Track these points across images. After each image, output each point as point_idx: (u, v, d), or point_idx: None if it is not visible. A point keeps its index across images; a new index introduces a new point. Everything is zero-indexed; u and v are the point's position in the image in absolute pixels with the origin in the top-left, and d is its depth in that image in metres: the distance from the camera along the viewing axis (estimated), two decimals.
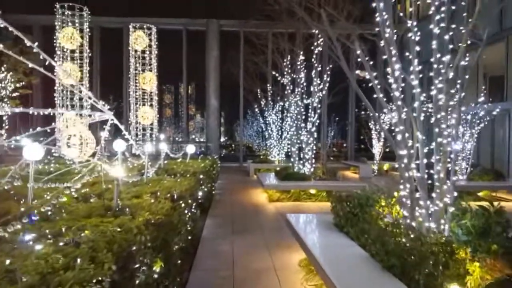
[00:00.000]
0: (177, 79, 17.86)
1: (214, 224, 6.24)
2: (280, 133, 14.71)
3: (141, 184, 4.67)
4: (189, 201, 4.63)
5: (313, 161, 9.34)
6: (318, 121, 9.36)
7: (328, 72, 9.35)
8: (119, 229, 2.20)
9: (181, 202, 4.11)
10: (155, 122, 12.60)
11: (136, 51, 12.76)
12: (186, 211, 4.29)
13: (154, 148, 7.05)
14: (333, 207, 4.17)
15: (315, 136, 9.35)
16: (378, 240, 2.95)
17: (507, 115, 11.29)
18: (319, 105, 9.32)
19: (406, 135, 3.45)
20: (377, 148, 15.67)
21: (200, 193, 6.79)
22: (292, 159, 9.65)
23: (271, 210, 7.49)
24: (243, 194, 9.40)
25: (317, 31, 8.63)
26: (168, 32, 19.45)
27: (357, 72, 8.97)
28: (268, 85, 15.32)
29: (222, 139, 25.83)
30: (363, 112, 20.32)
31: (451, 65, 3.31)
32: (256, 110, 16.33)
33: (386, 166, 15.14)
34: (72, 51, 11.25)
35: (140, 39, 13.60)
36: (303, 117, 9.53)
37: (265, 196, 8.81)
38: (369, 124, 15.94)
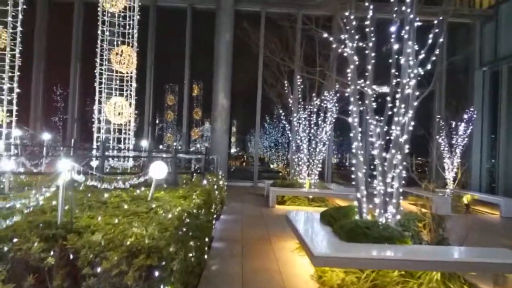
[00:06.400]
0: (182, 78, 13.91)
1: None
2: (314, 144, 10.21)
3: None
4: None
5: (401, 197, 4.85)
6: (412, 122, 4.90)
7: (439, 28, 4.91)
8: None
9: None
10: (132, 121, 8.29)
11: (107, 13, 8.57)
12: None
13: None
14: None
15: (407, 150, 4.88)
16: None
17: None
18: (416, 93, 4.88)
19: None
20: (450, 172, 11.02)
21: None
22: (358, 194, 5.11)
23: None
24: (262, 260, 4.92)
25: None
26: (170, 15, 15.54)
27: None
28: (298, 77, 10.93)
29: (233, 150, 21.52)
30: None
31: None
32: (281, 111, 11.88)
33: (467, 198, 10.38)
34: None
35: None
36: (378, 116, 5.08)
37: (310, 273, 4.32)
38: (438, 138, 11.33)
